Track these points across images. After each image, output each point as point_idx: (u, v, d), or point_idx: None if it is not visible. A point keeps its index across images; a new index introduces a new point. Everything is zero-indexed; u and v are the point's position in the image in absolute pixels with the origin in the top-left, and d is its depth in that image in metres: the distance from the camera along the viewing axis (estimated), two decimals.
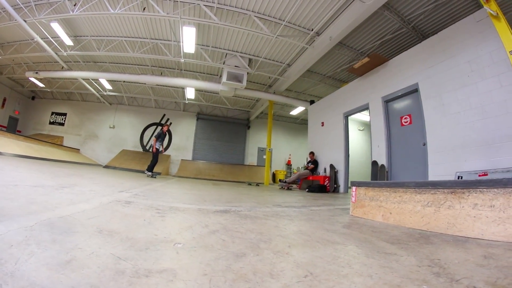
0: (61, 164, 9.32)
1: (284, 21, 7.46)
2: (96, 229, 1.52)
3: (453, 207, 2.12)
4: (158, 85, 13.01)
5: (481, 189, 1.99)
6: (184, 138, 16.23)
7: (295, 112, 14.60)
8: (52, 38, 9.51)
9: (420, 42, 6.38)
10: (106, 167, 12.87)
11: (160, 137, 9.25)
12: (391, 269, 1.22)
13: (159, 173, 8.50)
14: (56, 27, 8.52)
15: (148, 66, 11.81)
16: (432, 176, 5.35)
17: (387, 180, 6.31)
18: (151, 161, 9.03)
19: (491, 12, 4.27)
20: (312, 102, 11.60)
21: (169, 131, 16.18)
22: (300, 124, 17.82)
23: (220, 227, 1.95)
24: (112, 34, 9.52)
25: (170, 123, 15.99)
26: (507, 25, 4.21)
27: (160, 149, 9.29)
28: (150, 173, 8.84)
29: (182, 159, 14.96)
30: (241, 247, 1.43)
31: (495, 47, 4.46)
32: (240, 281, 0.97)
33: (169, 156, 15.31)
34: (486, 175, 4.23)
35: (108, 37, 9.64)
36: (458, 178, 4.62)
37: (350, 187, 3.22)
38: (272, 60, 9.89)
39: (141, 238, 1.43)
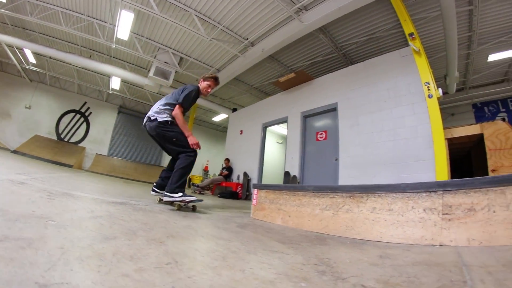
0: None
1: (221, 25, 7.27)
2: None
3: (351, 210, 2.08)
4: (84, 68, 11.44)
5: (379, 194, 1.99)
6: (102, 131, 14.49)
7: (218, 118, 14.36)
8: None
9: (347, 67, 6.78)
10: (14, 152, 10.74)
11: (187, 110, 3.35)
12: (270, 266, 1.14)
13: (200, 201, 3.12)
14: None
15: (78, 45, 10.43)
16: None
17: None
18: (178, 165, 2.96)
19: (415, 48, 4.77)
20: (234, 110, 11.57)
21: (87, 121, 14.29)
22: (222, 132, 17.62)
23: (106, 214, 1.81)
24: (50, 2, 8.09)
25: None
26: (427, 61, 4.79)
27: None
28: (179, 196, 2.79)
29: (97, 154, 13.39)
30: (115, 232, 1.34)
31: (414, 79, 4.93)
32: (94, 258, 0.91)
33: (84, 148, 13.53)
34: None
35: (45, 3, 8.13)
36: None
37: None
38: (203, 63, 9.59)
39: (16, 212, 1.35)
